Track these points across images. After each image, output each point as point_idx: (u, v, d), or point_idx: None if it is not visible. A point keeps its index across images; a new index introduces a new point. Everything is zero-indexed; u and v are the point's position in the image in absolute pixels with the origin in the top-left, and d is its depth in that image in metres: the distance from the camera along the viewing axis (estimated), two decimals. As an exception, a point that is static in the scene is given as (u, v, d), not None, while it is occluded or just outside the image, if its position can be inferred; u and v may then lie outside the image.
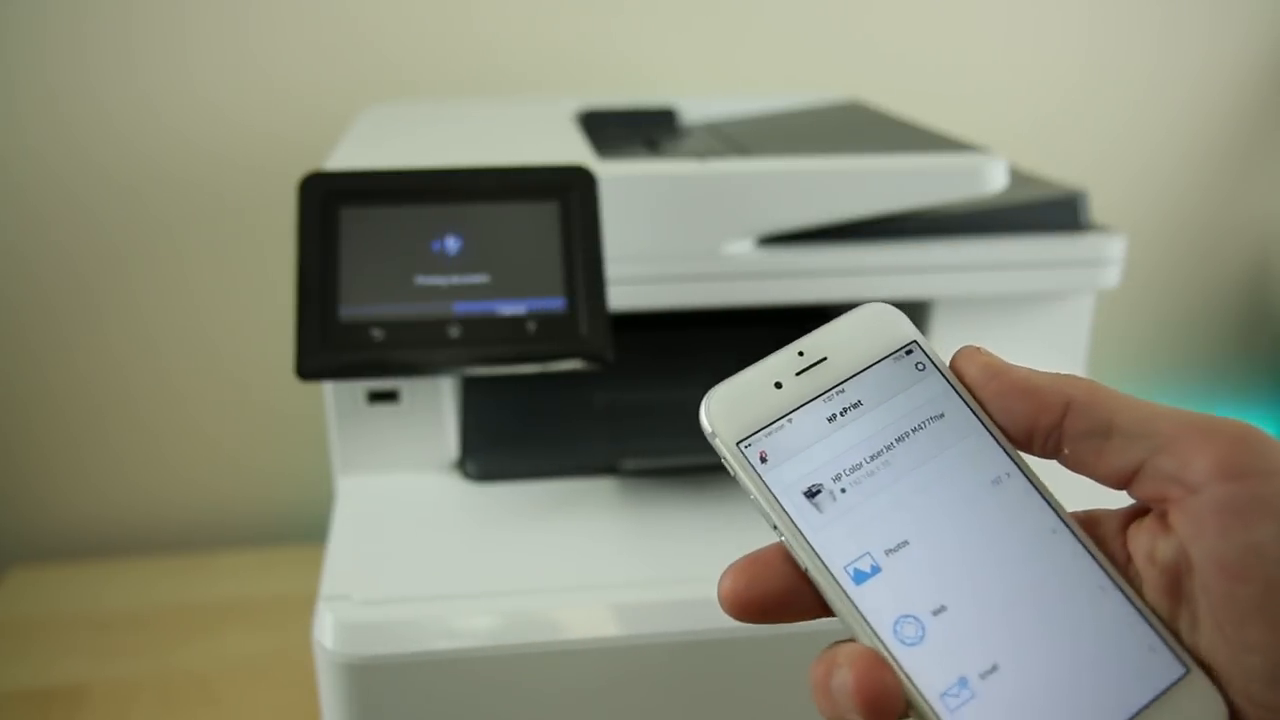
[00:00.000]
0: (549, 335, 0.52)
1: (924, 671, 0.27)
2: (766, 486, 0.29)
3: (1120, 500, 0.30)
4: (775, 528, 0.29)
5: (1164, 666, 0.27)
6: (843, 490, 0.29)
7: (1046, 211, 0.65)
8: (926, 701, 0.26)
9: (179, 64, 0.89)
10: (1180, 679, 0.27)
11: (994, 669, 0.27)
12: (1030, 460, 0.30)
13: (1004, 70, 1.02)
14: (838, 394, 0.30)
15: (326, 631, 0.46)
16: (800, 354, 0.31)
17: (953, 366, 0.31)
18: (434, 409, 0.57)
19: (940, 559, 0.28)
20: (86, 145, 0.90)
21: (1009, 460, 0.30)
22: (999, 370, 0.30)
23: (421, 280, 0.53)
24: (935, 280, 0.63)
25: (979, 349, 0.31)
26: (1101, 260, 0.64)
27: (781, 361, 0.31)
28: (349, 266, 0.52)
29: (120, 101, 0.89)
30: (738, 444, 0.29)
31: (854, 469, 0.29)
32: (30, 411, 0.96)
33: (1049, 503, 0.29)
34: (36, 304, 0.93)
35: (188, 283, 0.95)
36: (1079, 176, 0.78)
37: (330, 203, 0.53)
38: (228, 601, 0.88)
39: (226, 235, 0.94)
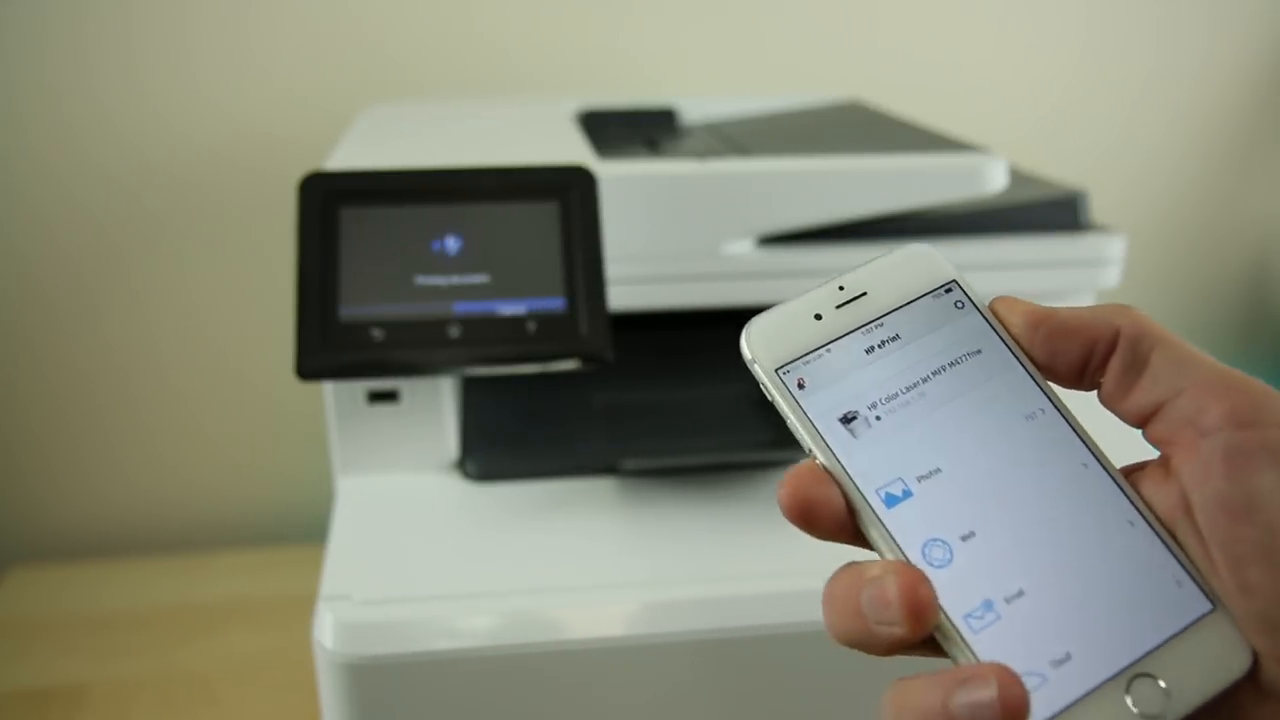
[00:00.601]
0: (549, 335, 0.52)
1: (950, 592, 0.27)
2: (803, 411, 0.30)
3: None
4: (810, 452, 0.29)
5: (1190, 602, 0.27)
6: (877, 418, 0.30)
7: (1046, 211, 0.65)
8: (951, 621, 0.27)
9: (179, 64, 0.89)
10: (1205, 615, 0.27)
11: (1020, 594, 0.27)
12: (1066, 400, 0.30)
13: (1004, 70, 1.02)
14: (877, 327, 0.31)
15: (326, 631, 0.46)
16: (841, 288, 0.31)
17: (994, 313, 0.32)
18: (434, 409, 0.57)
19: (971, 487, 0.29)
20: (86, 144, 0.90)
21: (1044, 397, 0.30)
22: (1044, 315, 0.30)
23: (421, 280, 0.53)
24: (935, 280, 0.63)
25: (1017, 298, 0.31)
26: (1101, 260, 0.64)
27: (822, 295, 0.31)
28: (349, 266, 0.52)
29: (121, 101, 0.89)
30: (776, 370, 0.30)
31: (890, 398, 0.30)
32: (30, 411, 0.96)
33: (1082, 439, 0.30)
34: (37, 304, 0.93)
35: (188, 282, 0.95)
36: (1079, 176, 0.78)
37: (330, 203, 0.53)
38: (228, 601, 0.88)
39: (227, 235, 0.94)
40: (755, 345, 0.30)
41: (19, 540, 0.99)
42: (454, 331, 0.52)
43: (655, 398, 0.64)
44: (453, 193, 0.54)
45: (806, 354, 0.30)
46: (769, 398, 0.30)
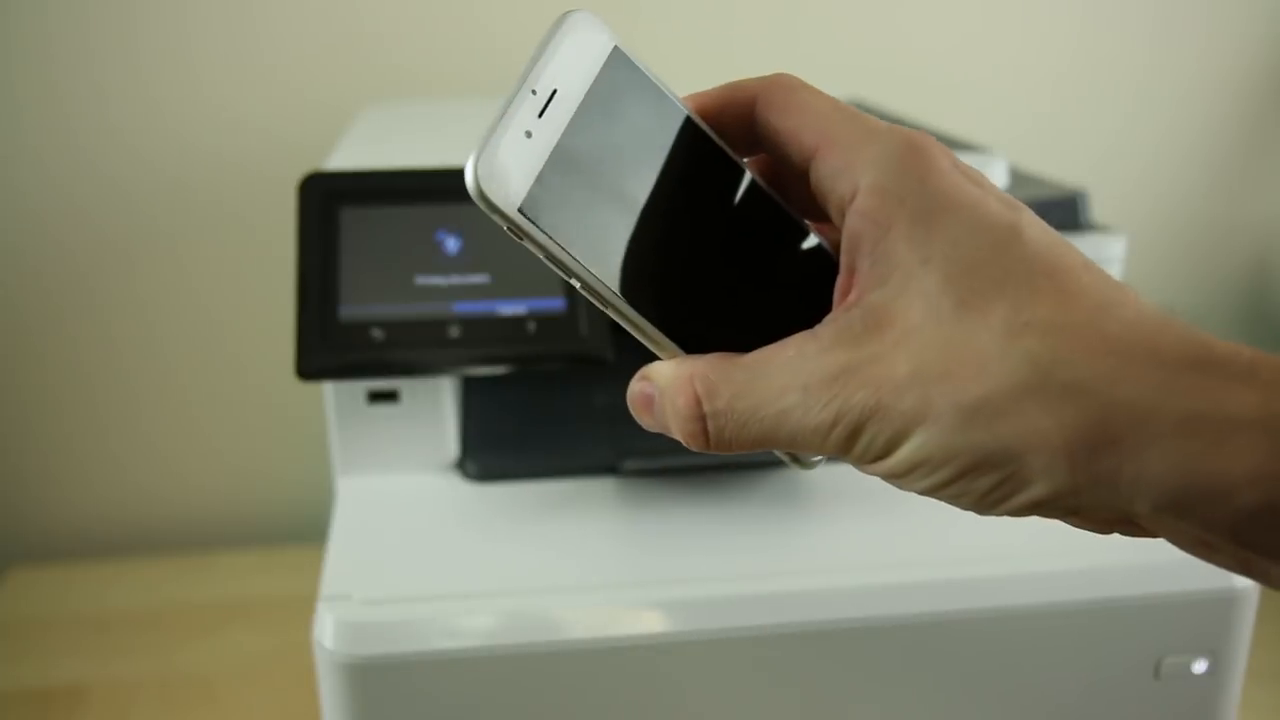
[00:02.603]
0: (549, 335, 0.52)
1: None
2: (554, 240, 0.29)
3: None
4: (579, 283, 0.30)
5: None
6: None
7: (1046, 211, 0.63)
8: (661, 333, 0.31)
9: (180, 64, 0.89)
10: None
11: (717, 313, 0.31)
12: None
13: (1004, 70, 1.02)
14: (578, 125, 0.30)
15: (326, 631, 0.46)
16: (534, 92, 0.30)
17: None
18: (434, 409, 0.57)
19: (669, 236, 0.31)
20: (87, 145, 0.90)
21: (713, 143, 0.32)
22: (706, 95, 0.32)
23: (421, 280, 0.53)
24: (935, 280, 0.63)
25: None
26: (1101, 260, 0.64)
27: (523, 110, 0.29)
28: (349, 266, 0.52)
29: (122, 102, 0.89)
30: (520, 210, 0.29)
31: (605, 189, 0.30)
32: (31, 411, 0.96)
33: (753, 180, 0.32)
34: (38, 304, 0.93)
35: (188, 283, 0.95)
36: (1079, 176, 0.78)
37: (330, 203, 0.53)
38: (228, 602, 0.88)
39: (227, 235, 0.94)
40: (492, 191, 0.28)
41: (19, 540, 0.99)
42: (454, 331, 0.52)
43: (655, 398, 0.64)
44: (453, 193, 0.54)
45: (534, 181, 0.29)
46: (516, 239, 0.29)
